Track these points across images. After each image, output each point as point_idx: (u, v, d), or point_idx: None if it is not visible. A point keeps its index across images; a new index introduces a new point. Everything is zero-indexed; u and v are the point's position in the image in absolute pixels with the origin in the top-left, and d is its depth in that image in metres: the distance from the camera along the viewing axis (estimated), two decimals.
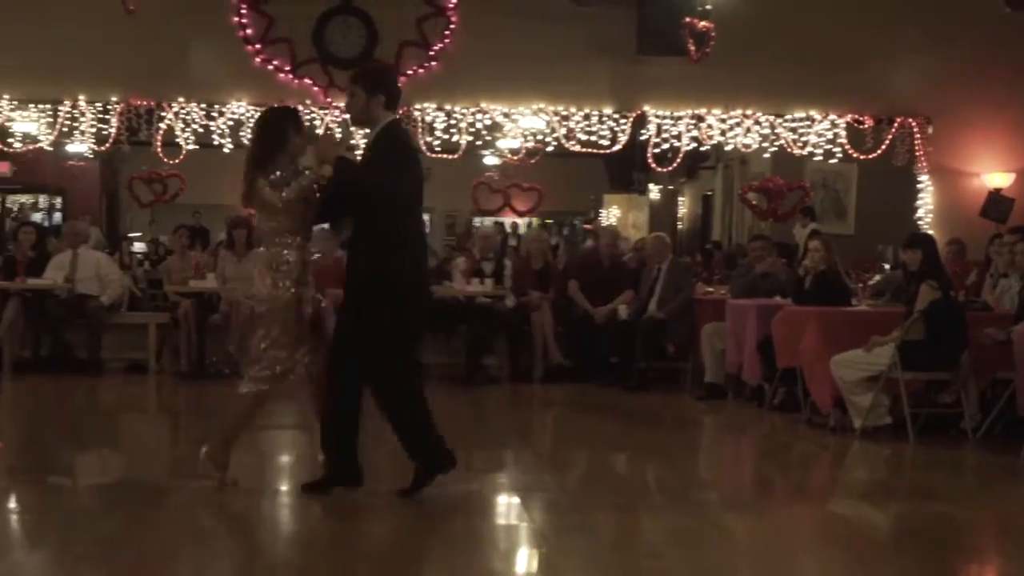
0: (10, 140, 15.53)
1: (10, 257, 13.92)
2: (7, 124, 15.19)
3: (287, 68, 14.42)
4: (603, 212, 22.83)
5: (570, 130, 14.77)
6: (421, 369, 7.26)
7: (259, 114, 7.80)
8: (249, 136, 9.17)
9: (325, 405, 6.76)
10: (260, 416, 7.27)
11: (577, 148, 14.95)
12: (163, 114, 14.63)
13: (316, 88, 14.48)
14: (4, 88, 14.54)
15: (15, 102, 14.72)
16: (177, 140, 14.75)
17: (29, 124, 15.51)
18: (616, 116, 14.80)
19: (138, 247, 20.38)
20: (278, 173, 6.79)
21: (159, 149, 14.88)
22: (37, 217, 22.60)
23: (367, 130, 7.03)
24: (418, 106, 14.65)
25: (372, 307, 6.60)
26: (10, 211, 23.67)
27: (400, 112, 14.41)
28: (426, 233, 7.28)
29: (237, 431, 7.06)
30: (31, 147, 15.57)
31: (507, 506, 7.24)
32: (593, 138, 14.84)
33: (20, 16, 14.18)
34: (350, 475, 6.79)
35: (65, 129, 14.80)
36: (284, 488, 7.48)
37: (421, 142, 14.73)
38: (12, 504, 6.99)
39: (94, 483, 7.85)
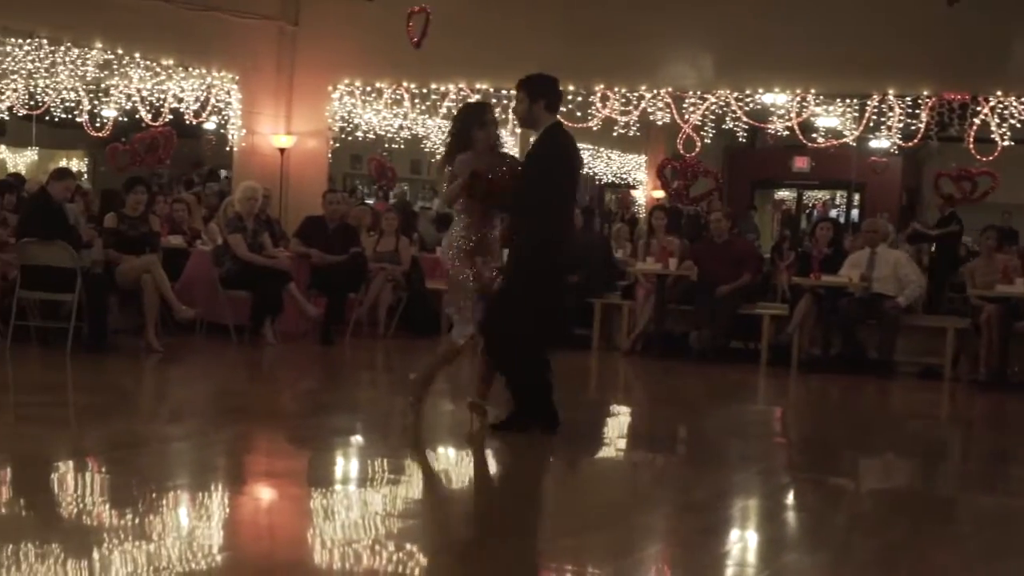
0: (812, 135, 15.86)
1: (806, 253, 14.19)
2: (811, 119, 15.53)
3: None
4: None
5: None
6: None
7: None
8: None
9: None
10: None
11: None
12: (978, 108, 14.20)
13: None
14: (812, 82, 14.84)
15: (820, 96, 14.97)
16: (992, 136, 14.26)
17: (833, 119, 15.76)
18: None
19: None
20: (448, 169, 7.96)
21: (971, 145, 14.47)
22: (833, 213, 23.03)
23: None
24: None
25: (521, 291, 7.75)
26: (806, 206, 24.36)
27: None
28: (573, 229, 8.65)
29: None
30: (833, 143, 15.80)
31: None
32: None
33: (828, 9, 14.38)
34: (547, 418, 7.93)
35: (871, 124, 14.82)
36: None
37: None
38: (791, 501, 7.00)
39: (878, 488, 7.68)
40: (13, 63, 15.05)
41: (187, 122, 16.49)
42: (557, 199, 7.80)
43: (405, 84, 16.41)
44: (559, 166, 7.78)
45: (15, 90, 17.40)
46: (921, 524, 6.38)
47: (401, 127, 18.34)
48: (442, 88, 16.32)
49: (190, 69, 15.95)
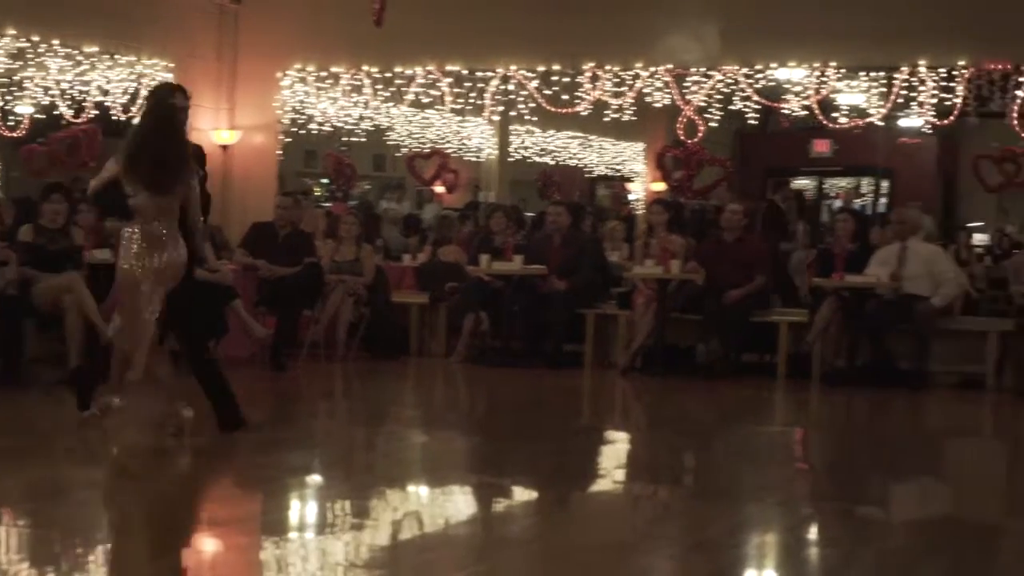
0: (834, 115, 15.90)
1: (826, 250, 14.21)
2: (831, 97, 15.55)
3: None
4: None
5: None
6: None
7: None
8: None
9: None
10: None
11: None
12: (1021, 79, 14.26)
13: None
14: (832, 54, 14.88)
15: (843, 70, 15.00)
16: None
17: (857, 96, 15.78)
18: None
19: (979, 239, 20.12)
20: None
21: (1015, 122, 14.52)
22: (858, 203, 23.13)
23: None
24: None
25: None
26: (827, 195, 24.44)
27: None
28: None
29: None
30: (858, 123, 15.84)
31: None
32: None
33: None
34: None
35: (900, 100, 14.86)
36: None
37: None
38: (815, 535, 7.01)
39: (913, 518, 7.71)
40: None
41: (114, 118, 16.42)
42: None
43: (365, 68, 16.42)
44: None
45: None
46: (963, 559, 6.39)
47: (362, 117, 18.33)
48: (408, 71, 16.32)
49: (117, 57, 15.91)
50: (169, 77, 16.13)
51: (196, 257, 9.13)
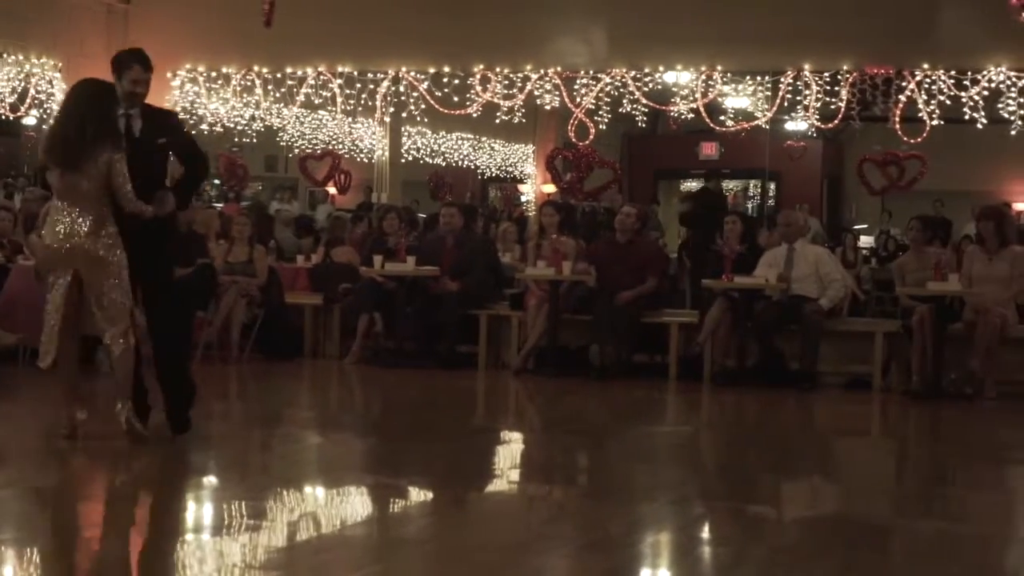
0: (721, 118, 16.06)
1: (716, 252, 14.33)
2: (719, 100, 15.71)
3: None
4: None
5: None
6: None
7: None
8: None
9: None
10: None
11: None
12: (903, 84, 14.47)
13: None
14: (718, 58, 15.01)
15: (728, 74, 15.14)
16: (920, 115, 14.53)
17: (743, 99, 15.98)
18: None
19: (864, 241, 20.43)
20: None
21: (897, 126, 14.73)
22: (747, 206, 23.35)
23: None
24: None
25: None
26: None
27: None
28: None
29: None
30: (744, 126, 16.01)
31: None
32: None
33: None
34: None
35: (786, 104, 15.03)
36: None
37: None
38: (707, 534, 7.06)
39: (803, 516, 7.78)
40: None
41: (2, 117, 16.20)
42: None
43: (256, 68, 16.33)
44: None
45: None
46: (852, 556, 6.47)
47: (253, 118, 18.22)
48: (299, 72, 16.25)
49: (5, 56, 15.69)
50: (58, 76, 15.97)
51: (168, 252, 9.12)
